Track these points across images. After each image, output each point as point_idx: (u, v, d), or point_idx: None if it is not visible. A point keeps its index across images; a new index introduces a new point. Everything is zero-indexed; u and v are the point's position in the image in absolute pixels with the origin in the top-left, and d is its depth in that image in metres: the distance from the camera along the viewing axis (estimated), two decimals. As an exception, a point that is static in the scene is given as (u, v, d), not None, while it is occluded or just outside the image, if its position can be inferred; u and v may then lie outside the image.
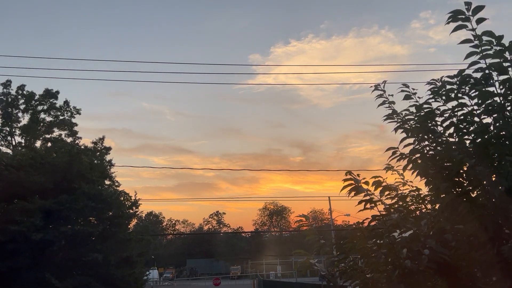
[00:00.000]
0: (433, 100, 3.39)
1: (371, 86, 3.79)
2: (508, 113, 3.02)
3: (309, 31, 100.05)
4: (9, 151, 13.80)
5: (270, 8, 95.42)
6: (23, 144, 16.00)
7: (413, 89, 3.57)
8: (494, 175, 3.04)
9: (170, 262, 76.77)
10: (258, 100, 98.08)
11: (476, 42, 2.96)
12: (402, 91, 3.60)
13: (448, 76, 3.29)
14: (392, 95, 3.71)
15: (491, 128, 3.12)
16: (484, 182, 3.10)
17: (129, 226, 13.32)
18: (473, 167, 3.15)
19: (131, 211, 13.56)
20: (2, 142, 16.93)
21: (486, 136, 3.13)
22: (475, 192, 3.25)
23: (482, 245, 3.08)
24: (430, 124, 3.42)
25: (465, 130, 3.28)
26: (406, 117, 3.59)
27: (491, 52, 2.95)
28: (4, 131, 16.75)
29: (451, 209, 3.26)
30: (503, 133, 3.03)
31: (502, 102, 3.02)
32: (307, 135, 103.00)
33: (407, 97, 3.57)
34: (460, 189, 3.27)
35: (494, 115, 3.09)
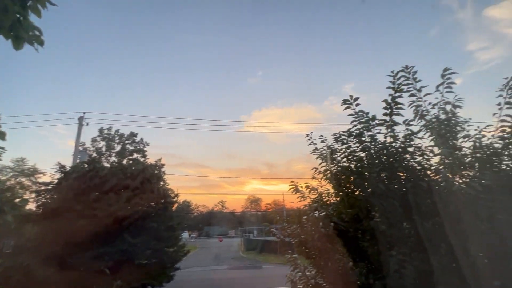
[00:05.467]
0: (335, 143, 3.54)
1: (305, 135, 3.94)
2: (372, 151, 3.17)
3: (271, 104, 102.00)
4: (108, 165, 13.23)
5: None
6: (116, 162, 15.49)
7: (326, 138, 3.73)
8: (366, 183, 3.15)
9: (194, 228, 73.56)
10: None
11: (355, 115, 3.15)
12: (320, 138, 3.77)
13: (342, 132, 3.53)
14: (315, 139, 3.86)
15: (364, 159, 3.27)
16: (360, 187, 3.20)
17: (173, 207, 12.82)
18: (355, 179, 3.31)
19: (174, 199, 13.11)
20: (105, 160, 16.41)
21: (361, 163, 3.26)
22: (357, 192, 3.35)
23: (361, 220, 3.16)
24: (333, 156, 3.55)
25: (351, 160, 3.42)
26: (322, 152, 3.70)
27: (363, 120, 3.17)
28: (105, 155, 16.28)
29: (345, 201, 3.35)
30: (371, 161, 3.17)
31: (369, 145, 3.17)
32: (272, 159, 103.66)
33: (322, 141, 3.74)
34: (349, 190, 3.39)
35: (365, 152, 3.23)
